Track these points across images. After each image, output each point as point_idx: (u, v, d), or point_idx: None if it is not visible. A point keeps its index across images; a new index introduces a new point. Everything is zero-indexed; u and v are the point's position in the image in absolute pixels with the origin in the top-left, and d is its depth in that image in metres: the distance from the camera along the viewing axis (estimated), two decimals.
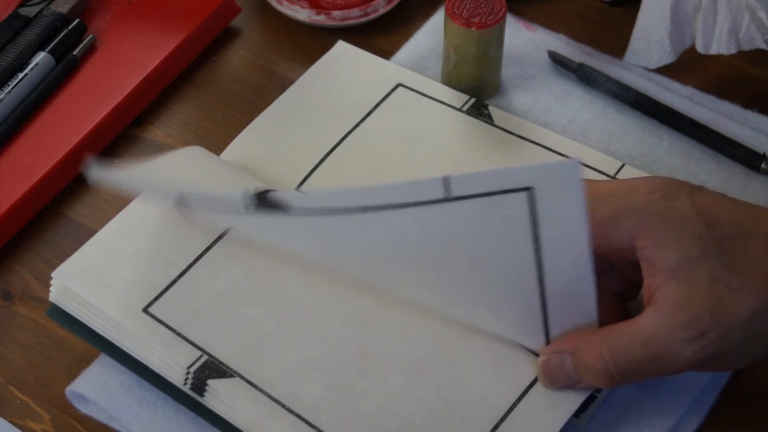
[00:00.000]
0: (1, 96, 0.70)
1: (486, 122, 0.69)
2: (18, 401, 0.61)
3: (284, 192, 0.57)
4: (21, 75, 0.72)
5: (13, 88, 0.71)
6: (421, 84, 0.71)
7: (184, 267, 0.60)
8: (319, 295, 0.58)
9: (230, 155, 0.68)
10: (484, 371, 0.57)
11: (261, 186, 0.61)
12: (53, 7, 0.76)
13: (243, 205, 0.58)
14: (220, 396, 0.55)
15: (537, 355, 0.57)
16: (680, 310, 0.52)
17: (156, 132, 0.73)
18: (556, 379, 0.56)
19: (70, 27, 0.75)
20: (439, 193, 0.54)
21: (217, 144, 0.71)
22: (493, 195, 0.53)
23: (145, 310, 0.58)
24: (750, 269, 0.52)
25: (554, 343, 0.56)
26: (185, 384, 0.56)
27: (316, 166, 0.67)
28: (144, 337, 0.57)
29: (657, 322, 0.52)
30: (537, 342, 0.57)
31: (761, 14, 0.67)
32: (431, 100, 0.70)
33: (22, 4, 0.76)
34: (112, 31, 0.76)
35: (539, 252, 0.54)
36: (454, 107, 0.70)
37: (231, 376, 0.56)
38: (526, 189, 0.53)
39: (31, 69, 0.72)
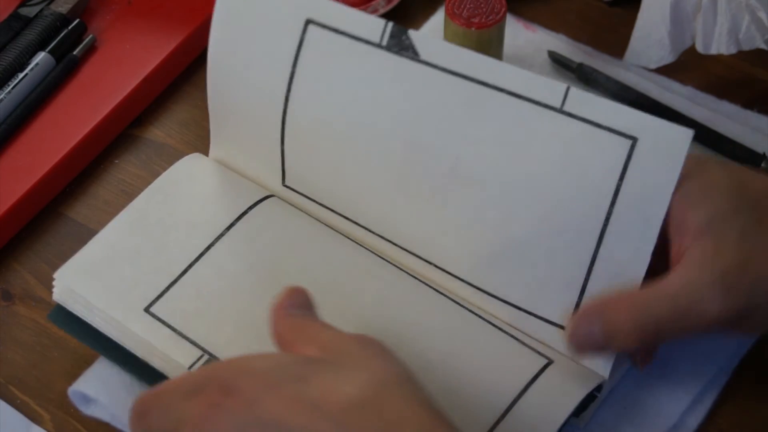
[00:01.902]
0: (1, 96, 0.70)
1: (411, 58, 0.58)
2: (18, 401, 0.61)
3: (419, 35, 0.57)
4: (21, 75, 0.72)
5: (13, 88, 0.71)
6: (332, 13, 0.60)
7: (185, 265, 0.60)
8: (321, 292, 0.59)
9: (216, 154, 0.66)
10: (485, 367, 0.56)
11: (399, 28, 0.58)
12: (53, 7, 0.76)
13: (380, 35, 0.58)
14: None
15: (538, 346, 0.57)
16: (708, 266, 0.51)
17: (156, 132, 0.73)
18: (583, 344, 0.54)
19: (70, 27, 0.75)
20: (557, 101, 0.55)
21: None
22: (601, 128, 0.54)
23: (147, 309, 0.58)
24: None
25: (581, 309, 0.55)
26: None
27: (283, 152, 0.63)
28: (145, 337, 0.57)
29: (685, 279, 0.52)
30: (563, 305, 0.56)
31: (761, 14, 0.67)
32: (347, 39, 0.59)
33: (22, 4, 0.76)
34: (112, 31, 0.76)
35: (613, 206, 0.53)
36: (372, 43, 0.59)
37: None
38: (632, 138, 0.53)
39: (31, 69, 0.72)
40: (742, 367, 0.61)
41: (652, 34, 0.71)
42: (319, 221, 0.63)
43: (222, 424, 0.44)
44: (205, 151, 0.67)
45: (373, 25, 0.59)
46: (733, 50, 0.69)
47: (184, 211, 0.62)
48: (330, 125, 0.61)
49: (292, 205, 0.63)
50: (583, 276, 0.56)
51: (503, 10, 0.68)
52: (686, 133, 0.52)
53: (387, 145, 0.59)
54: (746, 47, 0.69)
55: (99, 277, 0.59)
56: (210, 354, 0.56)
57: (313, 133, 0.61)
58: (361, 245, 0.62)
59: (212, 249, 0.61)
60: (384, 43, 0.58)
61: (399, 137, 0.59)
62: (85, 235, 0.66)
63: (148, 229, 0.61)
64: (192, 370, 0.56)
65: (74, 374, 0.60)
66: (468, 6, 0.68)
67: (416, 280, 0.60)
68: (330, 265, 0.60)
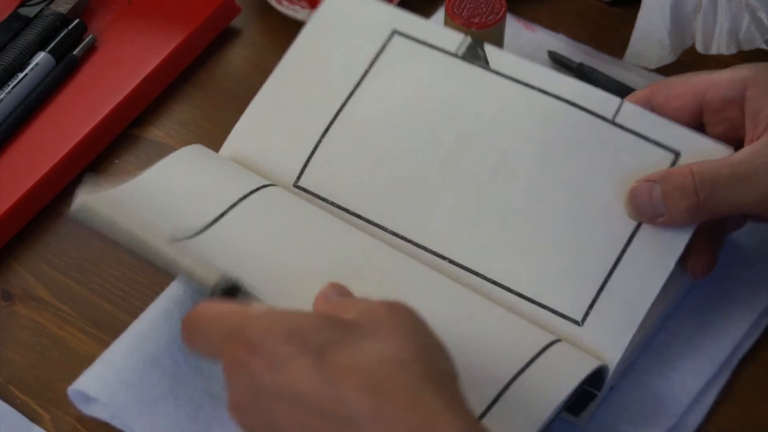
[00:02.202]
0: (1, 96, 0.70)
1: (481, 66, 0.64)
2: (18, 401, 0.61)
3: (493, 49, 0.64)
4: (21, 75, 0.72)
5: (13, 88, 0.71)
6: (418, 27, 0.66)
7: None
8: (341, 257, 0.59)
9: (228, 150, 0.67)
10: (488, 342, 0.56)
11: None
12: (53, 7, 0.76)
13: (457, 46, 0.64)
14: None
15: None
16: None
17: (156, 132, 0.73)
18: (641, 206, 0.57)
19: (70, 27, 0.75)
20: (610, 113, 0.60)
21: (217, 144, 0.71)
22: (648, 141, 0.59)
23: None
24: None
25: (645, 175, 0.57)
26: None
27: (313, 152, 0.65)
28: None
29: (749, 152, 0.55)
30: (578, 299, 0.57)
31: (761, 14, 0.67)
32: (426, 48, 0.65)
33: (22, 4, 0.76)
34: (112, 31, 0.76)
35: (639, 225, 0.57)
36: (449, 53, 0.65)
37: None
38: (676, 152, 0.58)
39: (31, 69, 0.72)
40: (742, 366, 0.61)
41: (652, 34, 0.72)
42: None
43: (243, 383, 0.47)
44: None
45: (453, 37, 0.65)
46: (733, 50, 0.69)
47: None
48: (386, 120, 0.64)
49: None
50: (605, 275, 0.58)
51: (503, 10, 0.68)
52: (726, 151, 0.57)
53: (438, 136, 0.63)
54: (746, 47, 0.69)
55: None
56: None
57: (365, 128, 0.64)
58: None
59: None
60: (460, 53, 0.64)
61: (452, 130, 0.63)
62: (85, 235, 0.66)
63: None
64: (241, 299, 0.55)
65: (74, 374, 0.60)
66: (468, 6, 0.68)
67: (428, 269, 0.60)
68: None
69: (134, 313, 0.61)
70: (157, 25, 0.76)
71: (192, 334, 0.52)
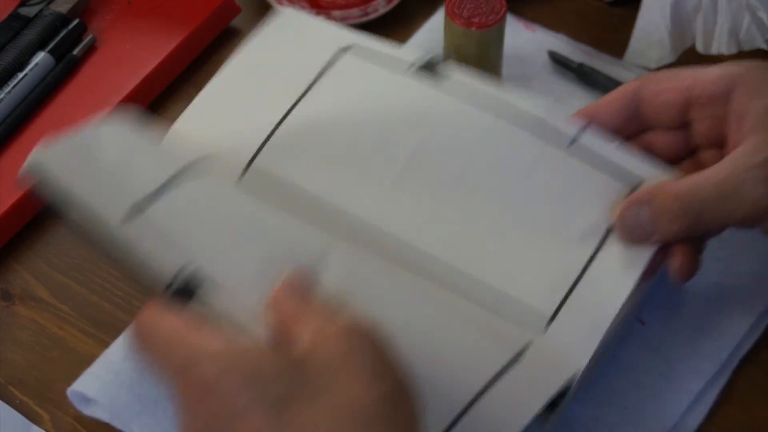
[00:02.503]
0: (1, 96, 0.70)
1: (435, 85, 0.62)
2: (18, 401, 0.61)
3: (448, 67, 0.62)
4: (21, 75, 0.72)
5: (13, 88, 0.71)
6: (368, 45, 0.65)
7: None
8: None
9: (181, 126, 0.64)
10: (451, 358, 0.55)
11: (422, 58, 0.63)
12: (53, 7, 0.76)
13: (409, 67, 0.62)
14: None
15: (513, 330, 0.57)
16: (758, 151, 0.53)
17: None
18: (632, 229, 0.56)
19: (70, 27, 0.75)
20: (568, 139, 0.59)
21: None
22: (605, 169, 0.58)
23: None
24: None
25: (630, 197, 0.56)
26: None
27: (268, 138, 0.63)
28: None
29: (734, 164, 0.53)
30: (547, 295, 0.57)
31: (761, 14, 0.67)
32: (376, 65, 0.64)
33: (22, 4, 0.76)
34: (112, 31, 0.76)
35: (604, 242, 0.57)
36: (402, 72, 0.63)
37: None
38: (635, 181, 0.58)
39: (31, 69, 0.72)
40: (742, 366, 0.61)
41: (652, 34, 0.72)
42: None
43: (195, 420, 0.45)
44: None
45: (406, 57, 0.63)
46: (733, 50, 0.69)
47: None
48: (338, 126, 0.62)
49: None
50: (570, 284, 0.57)
51: (503, 10, 0.68)
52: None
53: (394, 148, 0.60)
54: (746, 47, 0.69)
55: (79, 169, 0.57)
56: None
57: (318, 127, 0.62)
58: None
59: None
60: (414, 71, 0.63)
61: (407, 145, 0.60)
62: None
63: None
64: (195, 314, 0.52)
65: (74, 374, 0.60)
66: (468, 6, 0.69)
67: (389, 266, 0.58)
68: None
69: (134, 313, 0.61)
70: (157, 25, 0.76)
71: (141, 349, 0.49)
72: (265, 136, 0.62)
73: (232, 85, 0.65)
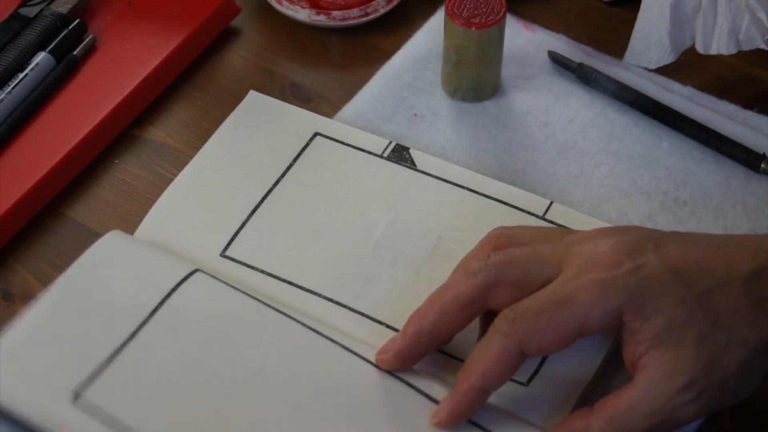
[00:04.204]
0: (1, 96, 0.70)
1: (408, 167, 0.68)
2: None
3: (418, 152, 0.68)
4: (21, 75, 0.72)
5: (13, 88, 0.71)
6: (339, 131, 0.69)
7: (110, 352, 0.58)
8: (252, 374, 0.57)
9: (146, 230, 0.65)
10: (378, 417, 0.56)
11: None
12: (53, 7, 0.76)
13: (383, 149, 0.68)
14: None
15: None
16: (675, 376, 0.52)
17: (156, 132, 0.73)
18: None
19: (70, 27, 0.75)
20: (539, 211, 0.65)
21: None
22: None
23: (75, 398, 0.56)
24: (733, 319, 0.52)
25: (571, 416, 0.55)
26: None
27: (240, 228, 0.65)
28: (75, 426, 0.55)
29: (654, 391, 0.52)
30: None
31: (761, 14, 0.67)
32: (350, 148, 0.69)
33: (23, 4, 0.76)
34: (112, 31, 0.76)
35: None
36: (374, 154, 0.68)
37: None
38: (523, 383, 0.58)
39: (32, 69, 0.72)
40: None
41: (652, 35, 0.72)
42: (249, 296, 0.61)
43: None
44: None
45: (377, 141, 0.69)
46: (733, 50, 0.69)
47: (105, 295, 0.60)
48: (314, 205, 0.66)
49: (219, 280, 0.61)
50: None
51: (503, 10, 0.68)
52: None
53: (371, 220, 0.65)
54: (746, 47, 0.69)
55: (20, 364, 0.57)
56: None
57: (294, 209, 0.66)
58: (295, 319, 0.60)
59: (138, 335, 0.58)
60: (386, 155, 0.68)
61: (384, 217, 0.65)
62: (85, 235, 0.66)
63: (70, 316, 0.59)
64: None
65: None
66: (468, 6, 0.69)
67: (356, 357, 0.58)
68: (261, 345, 0.58)
69: None
70: (157, 25, 0.76)
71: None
72: (237, 226, 0.65)
73: (202, 176, 0.68)
